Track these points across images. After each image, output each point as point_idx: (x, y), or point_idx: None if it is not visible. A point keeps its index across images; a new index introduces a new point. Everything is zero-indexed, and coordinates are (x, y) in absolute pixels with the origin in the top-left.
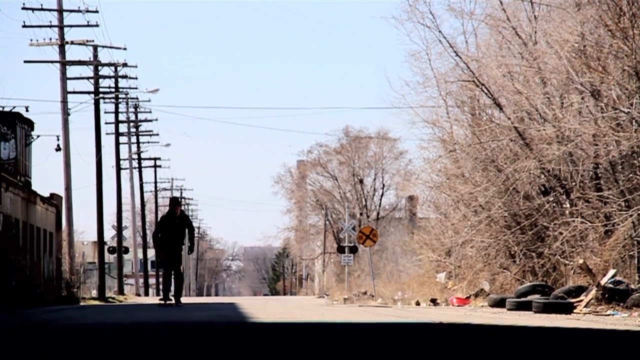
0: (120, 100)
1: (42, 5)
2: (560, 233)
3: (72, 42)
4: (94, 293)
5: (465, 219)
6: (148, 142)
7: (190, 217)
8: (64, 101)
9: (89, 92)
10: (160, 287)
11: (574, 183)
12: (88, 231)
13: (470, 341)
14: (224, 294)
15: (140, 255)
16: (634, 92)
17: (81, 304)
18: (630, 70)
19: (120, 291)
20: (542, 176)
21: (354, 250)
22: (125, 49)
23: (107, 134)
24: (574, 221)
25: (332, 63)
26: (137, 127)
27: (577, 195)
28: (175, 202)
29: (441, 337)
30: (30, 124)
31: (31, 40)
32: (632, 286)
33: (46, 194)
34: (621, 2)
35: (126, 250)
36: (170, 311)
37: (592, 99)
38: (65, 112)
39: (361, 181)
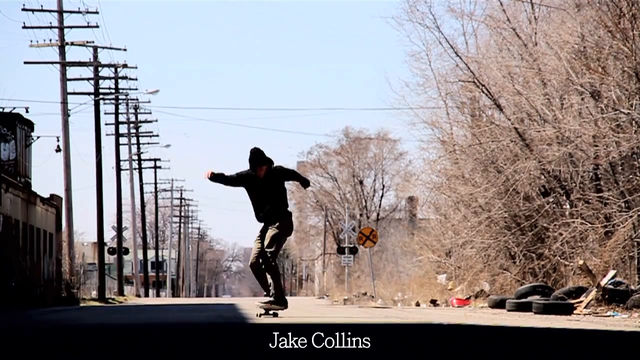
0: (120, 101)
1: (42, 6)
2: (560, 234)
3: (72, 43)
4: (94, 294)
5: (465, 220)
6: (148, 143)
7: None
8: (64, 102)
9: (89, 93)
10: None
11: (574, 184)
12: (88, 232)
13: (469, 342)
14: (224, 294)
15: (140, 256)
16: (634, 93)
17: (81, 304)
18: (630, 71)
19: (120, 292)
20: (542, 177)
21: (354, 251)
22: (125, 50)
23: (107, 135)
24: (574, 222)
25: (332, 63)
26: (137, 128)
27: (577, 196)
28: (258, 159)
29: (441, 337)
30: (30, 125)
31: (31, 41)
32: (632, 287)
33: (46, 195)
34: (621, 4)
35: (126, 251)
36: (170, 313)
37: (592, 100)
38: (66, 113)
39: (361, 182)
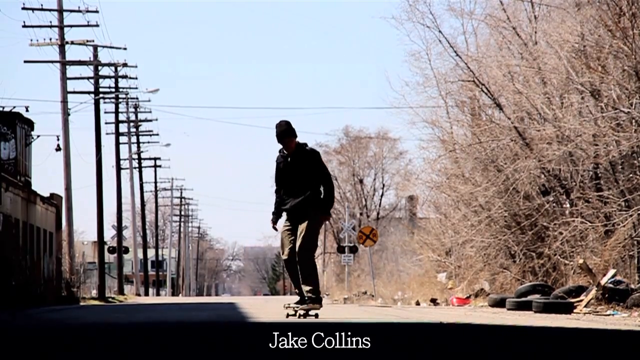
0: (120, 100)
1: (42, 5)
2: (560, 233)
3: (72, 42)
4: (94, 293)
5: (465, 219)
6: (148, 142)
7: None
8: (64, 101)
9: (89, 92)
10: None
11: (574, 183)
12: (88, 231)
13: (469, 341)
14: (223, 293)
15: (140, 255)
16: (634, 92)
17: (81, 304)
18: (630, 70)
19: (121, 291)
20: (542, 176)
21: (354, 250)
22: (125, 49)
23: (107, 134)
24: (574, 221)
25: (332, 63)
26: (137, 127)
27: (577, 195)
28: (285, 131)
29: (441, 337)
30: (30, 124)
31: (31, 40)
32: (632, 286)
33: (46, 194)
34: (621, 2)
35: (126, 250)
36: (170, 312)
37: (592, 99)
38: (66, 112)
39: (361, 181)
